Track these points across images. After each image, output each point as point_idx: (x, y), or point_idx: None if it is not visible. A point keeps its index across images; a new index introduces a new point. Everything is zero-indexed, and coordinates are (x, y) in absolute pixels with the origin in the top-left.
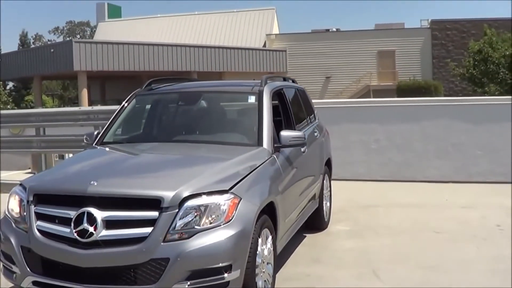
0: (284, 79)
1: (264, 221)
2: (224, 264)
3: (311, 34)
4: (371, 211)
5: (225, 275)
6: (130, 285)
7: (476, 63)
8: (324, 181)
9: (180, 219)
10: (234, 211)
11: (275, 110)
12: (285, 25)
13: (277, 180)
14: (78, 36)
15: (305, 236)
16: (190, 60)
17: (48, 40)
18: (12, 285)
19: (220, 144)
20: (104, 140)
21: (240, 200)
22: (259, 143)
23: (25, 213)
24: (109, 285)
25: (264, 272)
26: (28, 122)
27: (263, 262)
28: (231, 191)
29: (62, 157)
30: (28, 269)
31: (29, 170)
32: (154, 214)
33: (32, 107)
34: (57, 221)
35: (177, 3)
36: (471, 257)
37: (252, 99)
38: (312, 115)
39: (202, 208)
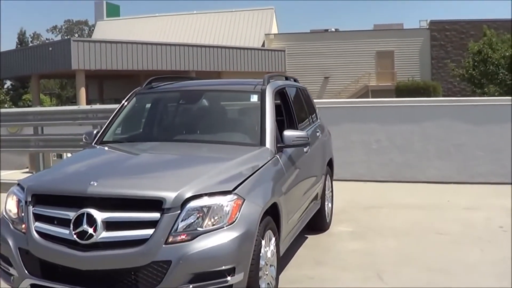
0: (286, 78)
1: (268, 223)
2: (227, 267)
3: (310, 34)
4: (373, 212)
5: (228, 278)
6: None
7: (475, 63)
8: (326, 182)
9: (182, 220)
10: (238, 213)
11: (277, 110)
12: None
13: (280, 181)
14: (76, 35)
15: (307, 237)
16: (188, 59)
17: (46, 39)
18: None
19: (222, 143)
20: (104, 140)
21: (244, 201)
22: (262, 143)
23: (23, 214)
24: None
25: (267, 274)
26: (26, 121)
27: (267, 265)
28: (235, 192)
29: (60, 156)
30: (26, 271)
31: (27, 170)
32: (155, 215)
33: (30, 106)
34: (56, 222)
35: (175, 2)
36: (477, 260)
37: (254, 98)
38: (314, 114)
39: (205, 209)
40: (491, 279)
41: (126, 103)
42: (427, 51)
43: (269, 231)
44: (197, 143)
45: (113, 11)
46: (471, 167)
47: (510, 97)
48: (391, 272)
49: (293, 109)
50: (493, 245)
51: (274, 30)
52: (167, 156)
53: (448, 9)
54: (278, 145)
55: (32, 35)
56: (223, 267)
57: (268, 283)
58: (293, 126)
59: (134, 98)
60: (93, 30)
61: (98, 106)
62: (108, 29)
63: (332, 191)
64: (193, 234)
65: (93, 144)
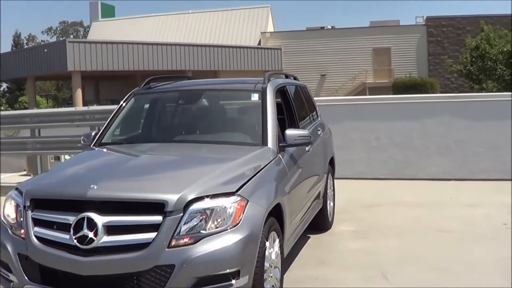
0: (286, 76)
1: (272, 224)
2: (231, 270)
3: (306, 32)
4: (374, 211)
5: (233, 281)
6: None
7: (473, 59)
8: (328, 181)
9: (185, 223)
10: (241, 214)
11: (278, 108)
12: (280, 23)
13: (283, 181)
14: (72, 36)
15: (309, 237)
16: (185, 59)
17: (42, 41)
18: None
19: (223, 144)
20: (102, 141)
21: (247, 202)
22: (264, 142)
23: (21, 219)
24: None
25: (271, 276)
26: (22, 123)
27: (271, 267)
28: (238, 193)
29: (57, 158)
30: (26, 277)
31: (24, 172)
32: (157, 218)
33: (26, 108)
34: (55, 227)
35: (171, 2)
36: (481, 258)
37: (255, 97)
38: (314, 112)
39: (208, 212)
40: (496, 277)
41: (124, 104)
42: (424, 48)
43: (273, 232)
44: (198, 143)
45: (108, 12)
46: (472, 164)
47: (510, 93)
48: (395, 272)
49: (294, 107)
50: (497, 242)
51: (270, 28)
52: (167, 157)
53: (444, 5)
54: (280, 144)
55: (27, 37)
56: (228, 271)
57: (272, 285)
58: (294, 125)
59: (133, 99)
60: (88, 31)
61: (95, 107)
62: (103, 30)
63: (333, 190)
64: (196, 237)
65: (91, 146)
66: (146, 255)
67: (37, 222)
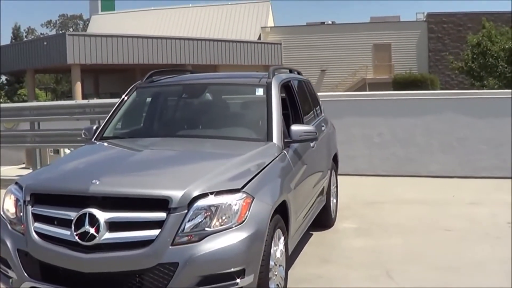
0: (290, 71)
1: (277, 221)
2: (236, 269)
3: (306, 27)
4: (377, 208)
5: (238, 280)
6: None
7: (474, 56)
8: (331, 177)
9: (189, 220)
10: (247, 212)
11: (282, 103)
12: (280, 18)
13: (289, 177)
14: (71, 30)
15: (312, 234)
16: (184, 53)
17: (41, 34)
18: None
19: (227, 139)
20: (104, 135)
21: (253, 199)
22: (269, 138)
23: (21, 214)
24: None
25: (276, 275)
26: (22, 116)
27: (276, 265)
28: (244, 190)
29: (57, 151)
30: (26, 274)
31: (23, 166)
32: (161, 215)
33: (25, 101)
34: (56, 222)
35: None
36: (486, 257)
37: (260, 91)
38: (318, 107)
39: (213, 209)
40: (502, 277)
41: (126, 98)
42: (424, 44)
43: (279, 230)
44: (201, 138)
45: (108, 5)
46: (475, 161)
47: (511, 90)
48: (399, 270)
49: (298, 102)
50: (502, 241)
51: (270, 23)
52: (171, 153)
53: (444, 2)
54: (285, 140)
55: (26, 29)
56: (232, 269)
57: (277, 284)
58: (299, 121)
59: (135, 92)
60: (88, 24)
61: (95, 101)
62: (103, 23)
63: (337, 186)
64: (201, 234)
65: (93, 140)
66: (149, 252)
67: (37, 218)
